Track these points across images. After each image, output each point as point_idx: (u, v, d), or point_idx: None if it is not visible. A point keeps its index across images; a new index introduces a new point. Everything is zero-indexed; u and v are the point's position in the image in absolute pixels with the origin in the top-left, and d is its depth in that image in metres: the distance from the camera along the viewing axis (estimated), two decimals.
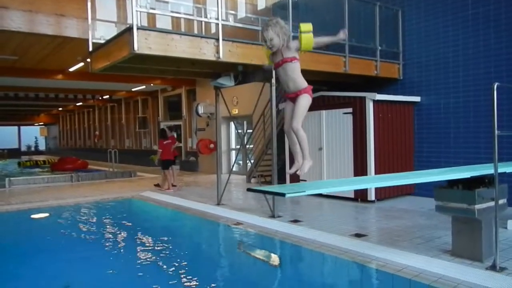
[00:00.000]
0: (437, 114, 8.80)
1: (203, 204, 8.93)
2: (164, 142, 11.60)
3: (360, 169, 8.53)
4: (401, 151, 8.99)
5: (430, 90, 8.92)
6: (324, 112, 9.27)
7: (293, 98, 3.44)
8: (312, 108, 10.26)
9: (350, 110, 8.73)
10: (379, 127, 8.49)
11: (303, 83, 3.43)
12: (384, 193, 8.57)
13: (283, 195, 3.35)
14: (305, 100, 3.41)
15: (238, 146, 14.70)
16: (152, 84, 17.33)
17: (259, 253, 5.82)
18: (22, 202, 9.78)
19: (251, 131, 13.14)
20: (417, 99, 9.08)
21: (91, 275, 5.03)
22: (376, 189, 8.38)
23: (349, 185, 3.78)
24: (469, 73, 8.21)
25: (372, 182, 4.19)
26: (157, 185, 11.88)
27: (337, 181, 4.08)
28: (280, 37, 3.36)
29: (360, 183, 3.95)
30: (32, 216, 8.69)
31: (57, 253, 6.11)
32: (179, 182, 12.38)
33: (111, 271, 5.11)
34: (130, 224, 7.96)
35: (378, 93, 8.43)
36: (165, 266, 5.15)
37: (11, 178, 13.54)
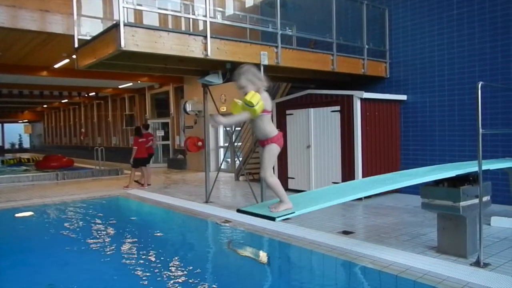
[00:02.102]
0: (423, 112, 8.91)
1: (191, 202, 8.91)
2: (139, 140, 11.49)
3: (347, 167, 8.60)
4: (388, 149, 9.09)
5: (416, 88, 9.03)
6: (312, 110, 9.31)
7: (262, 145, 3.50)
8: (300, 106, 10.34)
9: (338, 108, 8.79)
10: (366, 125, 8.56)
11: (270, 132, 3.46)
12: None
13: (272, 219, 3.38)
14: (271, 150, 3.46)
15: (226, 144, 14.70)
16: (139, 81, 17.20)
17: (248, 251, 5.83)
18: (6, 201, 9.62)
19: (239, 128, 13.12)
20: (403, 97, 9.18)
21: (76, 274, 4.97)
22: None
23: (340, 198, 3.82)
24: (454, 72, 8.33)
25: (362, 191, 4.24)
26: (136, 182, 11.74)
27: (328, 192, 4.12)
28: (253, 84, 3.42)
29: (350, 193, 3.97)
30: (16, 215, 8.55)
31: (41, 252, 6.02)
32: (151, 181, 12.26)
33: (96, 270, 5.06)
34: (117, 222, 7.89)
35: (365, 91, 8.51)
36: (152, 265, 5.13)
37: None
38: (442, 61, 8.51)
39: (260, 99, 3.31)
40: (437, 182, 4.79)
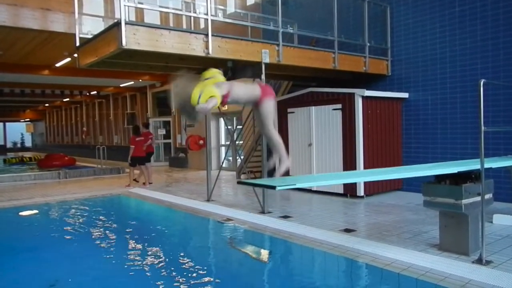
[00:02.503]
0: (424, 110, 8.89)
1: (193, 200, 8.91)
2: (137, 139, 11.49)
3: (349, 165, 8.59)
4: (390, 147, 9.08)
5: (418, 86, 9.01)
6: (313, 108, 9.30)
7: (256, 105, 3.61)
8: (301, 104, 10.30)
9: (339, 106, 8.77)
10: (368, 123, 8.55)
11: (253, 92, 3.60)
12: (373, 189, 8.65)
13: (273, 187, 3.37)
14: (267, 106, 3.59)
15: (228, 143, 14.70)
16: (140, 80, 17.20)
17: (250, 249, 5.83)
18: (9, 200, 9.65)
19: (240, 127, 13.13)
20: (405, 95, 9.17)
21: (80, 270, 4.99)
22: (365, 184, 8.45)
23: (340, 179, 3.82)
24: (456, 70, 8.31)
25: (363, 176, 4.24)
26: (135, 180, 11.73)
27: (328, 175, 4.11)
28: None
29: (351, 177, 3.99)
30: (20, 213, 8.58)
31: (44, 250, 6.04)
32: (153, 179, 12.24)
33: (100, 267, 5.08)
34: (119, 221, 7.91)
35: (367, 89, 8.49)
36: (154, 262, 5.14)
37: None
38: (444, 59, 8.49)
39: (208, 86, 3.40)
40: (439, 180, 4.79)
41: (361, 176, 4.17)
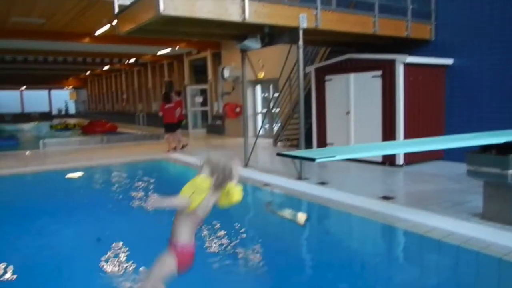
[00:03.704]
0: (470, 77, 8.48)
1: None
2: (166, 106, 11.62)
3: (388, 134, 8.41)
4: (431, 116, 8.79)
5: (464, 52, 8.57)
6: (352, 75, 9.08)
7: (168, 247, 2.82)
8: (340, 71, 10.08)
9: (379, 73, 8.52)
10: (409, 90, 8.28)
11: (185, 239, 2.78)
12: (412, 158, 8.46)
13: (312, 160, 3.37)
14: (168, 263, 2.74)
15: (264, 110, 14.69)
16: (177, 47, 17.28)
17: (287, 213, 5.91)
18: (56, 163, 10.17)
19: (277, 94, 13.05)
20: (449, 61, 8.76)
21: (121, 230, 5.24)
22: (405, 153, 8.28)
23: (381, 150, 3.75)
24: (505, 33, 7.81)
25: (405, 146, 4.14)
26: (174, 148, 11.98)
27: (367, 146, 4.04)
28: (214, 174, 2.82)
29: (392, 148, 3.91)
30: (67, 176, 9.04)
31: (90, 209, 6.38)
32: (186, 144, 12.41)
33: (141, 227, 5.31)
34: (159, 184, 8.18)
35: (408, 55, 8.18)
36: None
37: (45, 140, 14.01)
38: (493, 23, 7.98)
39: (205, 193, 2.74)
40: (484, 150, 4.63)
41: (403, 147, 4.07)
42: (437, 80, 8.79)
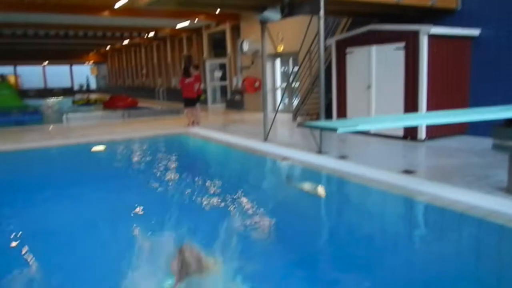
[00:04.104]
0: (497, 49, 8.19)
1: (250, 140, 9.10)
2: (186, 81, 11.57)
3: (410, 108, 8.26)
4: (456, 90, 8.57)
5: (491, 22, 8.24)
6: (374, 47, 8.88)
7: None
8: (361, 43, 9.85)
9: (402, 44, 8.31)
10: (433, 63, 8.06)
11: None
12: (435, 132, 8.32)
13: (334, 130, 3.35)
14: None
15: (284, 85, 14.58)
16: (196, 20, 17.14)
17: (307, 186, 5.95)
18: (80, 137, 10.39)
19: (297, 68, 12.89)
20: (475, 32, 8.45)
21: (142, 201, 5.37)
22: (427, 127, 8.15)
23: (404, 121, 3.70)
24: None
25: (429, 118, 4.08)
26: (193, 123, 11.99)
27: (390, 117, 3.99)
28: None
29: (416, 119, 3.85)
30: (91, 149, 9.25)
31: (113, 180, 6.55)
32: (204, 120, 12.45)
33: (162, 200, 5.43)
34: (180, 158, 8.30)
35: (433, 26, 7.92)
36: (214, 198, 5.40)
37: (68, 115, 14.29)
38: None
39: None
40: (510, 123, 4.52)
41: (426, 118, 4.01)
42: (463, 51, 8.53)
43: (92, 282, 3.25)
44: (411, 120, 3.76)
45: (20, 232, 4.19)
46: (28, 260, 3.62)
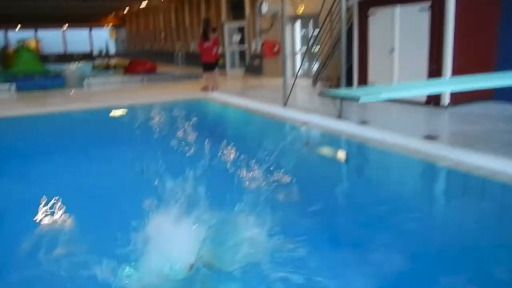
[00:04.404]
0: None
1: (269, 105, 9.04)
2: (204, 45, 11.37)
3: (434, 73, 8.01)
4: (483, 52, 8.25)
5: None
6: (397, 8, 8.55)
7: None
8: (384, 3, 9.46)
9: (427, 4, 7.97)
10: (459, 24, 7.72)
11: None
12: (459, 98, 8.07)
13: (357, 99, 3.28)
14: None
15: (304, 49, 14.29)
16: None
17: (327, 151, 5.93)
18: (101, 101, 10.51)
19: (317, 31, 12.57)
20: None
21: (165, 163, 5.44)
22: (451, 92, 7.92)
23: (429, 88, 3.60)
24: None
25: (455, 84, 3.95)
26: (204, 88, 11.92)
27: (415, 83, 3.87)
28: None
29: (441, 85, 3.73)
30: (110, 114, 9.37)
31: (134, 145, 6.64)
32: (227, 84, 12.36)
33: (181, 164, 5.48)
34: (199, 123, 8.30)
35: None
36: (234, 162, 5.44)
37: (89, 80, 14.41)
38: None
39: None
40: None
41: (452, 84, 3.88)
42: (492, 11, 8.13)
43: (111, 237, 3.35)
44: (436, 86, 3.65)
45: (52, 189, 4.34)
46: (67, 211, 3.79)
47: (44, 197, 4.18)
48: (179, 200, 3.66)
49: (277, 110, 8.44)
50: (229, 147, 6.13)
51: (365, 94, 3.25)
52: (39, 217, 3.92)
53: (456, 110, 7.80)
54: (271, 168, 4.96)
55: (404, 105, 8.42)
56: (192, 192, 3.50)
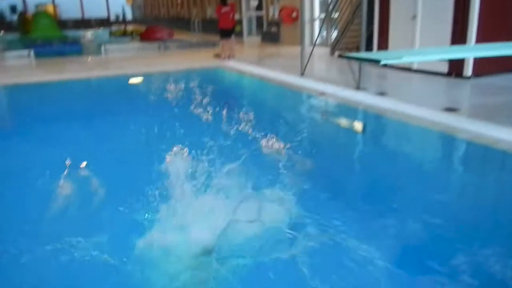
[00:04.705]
0: None
1: (286, 74, 8.95)
2: (222, 10, 11.13)
3: (458, 41, 7.75)
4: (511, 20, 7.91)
5: None
6: None
7: None
8: None
9: None
10: None
11: None
12: (482, 68, 7.83)
13: (378, 61, 3.21)
14: None
15: (322, 15, 13.93)
16: None
17: (344, 122, 5.89)
18: (118, 68, 10.55)
19: None
20: None
21: (179, 132, 5.50)
22: (474, 63, 7.68)
23: (452, 53, 3.49)
24: None
25: (479, 50, 3.82)
26: (217, 55, 11.79)
27: (437, 49, 3.75)
28: None
29: (465, 51, 3.61)
30: (129, 81, 9.42)
31: (152, 111, 6.71)
32: (238, 53, 12.18)
33: (199, 131, 5.52)
34: (215, 92, 8.29)
35: None
36: (250, 132, 5.45)
37: (106, 46, 14.41)
38: None
39: None
40: None
41: (476, 51, 3.75)
42: None
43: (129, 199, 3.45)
44: (459, 52, 3.54)
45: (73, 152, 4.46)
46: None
47: (67, 158, 4.32)
48: (196, 165, 3.73)
49: (294, 79, 8.35)
50: (245, 116, 6.13)
51: (385, 57, 3.18)
52: (61, 176, 4.06)
53: (479, 81, 7.58)
54: (287, 138, 4.97)
55: (424, 76, 8.23)
56: (208, 157, 3.56)
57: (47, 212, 3.48)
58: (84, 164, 4.31)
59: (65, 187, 3.87)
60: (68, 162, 4.15)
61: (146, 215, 3.23)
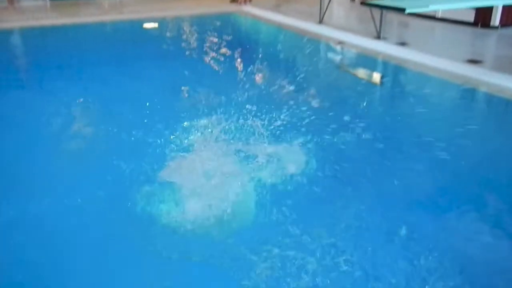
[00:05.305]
0: None
1: (304, 21, 8.67)
2: None
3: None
4: None
5: None
6: None
7: None
8: None
9: None
10: None
11: None
12: (511, 18, 7.48)
13: (402, 10, 3.07)
14: None
15: None
16: None
17: (362, 73, 5.76)
18: (133, 12, 10.33)
19: None
20: None
21: (196, 80, 5.48)
22: (503, 11, 7.31)
23: (484, 0, 3.32)
24: None
25: None
26: (233, 0, 11.41)
27: None
28: None
29: None
30: (144, 25, 9.25)
31: (163, 58, 6.67)
32: None
33: (211, 81, 5.48)
34: (231, 39, 8.13)
35: None
36: (264, 81, 5.39)
37: None
38: None
39: None
40: None
41: None
42: None
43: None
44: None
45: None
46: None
47: (80, 98, 4.39)
48: (213, 111, 3.76)
49: (312, 27, 8.10)
50: (262, 63, 6.04)
51: (411, 6, 3.04)
52: (78, 115, 4.17)
53: (506, 32, 7.25)
54: (303, 86, 4.90)
55: (449, 25, 7.89)
56: (223, 102, 3.58)
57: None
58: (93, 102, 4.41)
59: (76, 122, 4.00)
60: (79, 100, 4.24)
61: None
